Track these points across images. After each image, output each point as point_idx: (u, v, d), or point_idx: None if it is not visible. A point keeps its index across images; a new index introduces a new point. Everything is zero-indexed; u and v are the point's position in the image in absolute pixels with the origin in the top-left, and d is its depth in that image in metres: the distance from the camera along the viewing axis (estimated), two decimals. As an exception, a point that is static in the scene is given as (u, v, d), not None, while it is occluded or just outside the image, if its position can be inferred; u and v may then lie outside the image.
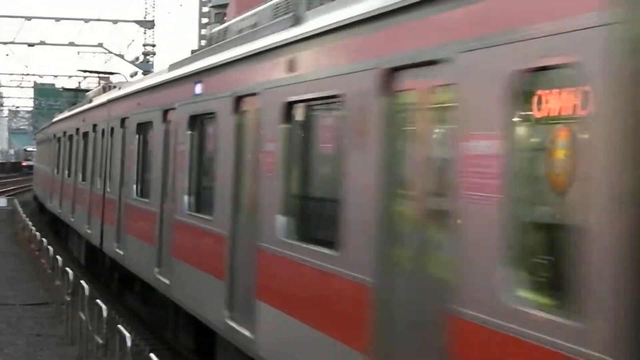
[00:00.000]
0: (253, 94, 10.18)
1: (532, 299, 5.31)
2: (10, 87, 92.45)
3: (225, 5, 78.03)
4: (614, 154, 4.66)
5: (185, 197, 13.08)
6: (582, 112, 4.93)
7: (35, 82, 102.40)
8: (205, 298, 11.86)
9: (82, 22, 56.22)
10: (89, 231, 22.82)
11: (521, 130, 5.53)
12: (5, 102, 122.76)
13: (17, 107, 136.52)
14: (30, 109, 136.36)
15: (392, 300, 6.90)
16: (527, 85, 5.40)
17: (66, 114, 35.40)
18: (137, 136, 17.08)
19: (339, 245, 7.71)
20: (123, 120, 18.62)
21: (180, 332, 14.18)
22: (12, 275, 24.23)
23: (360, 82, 7.44)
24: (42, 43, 54.24)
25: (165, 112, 14.62)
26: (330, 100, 8.20)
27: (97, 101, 24.76)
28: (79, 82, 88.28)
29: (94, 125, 23.36)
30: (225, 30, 13.14)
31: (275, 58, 9.61)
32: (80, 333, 14.86)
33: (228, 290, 10.91)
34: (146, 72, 27.79)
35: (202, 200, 12.61)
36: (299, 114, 9.17)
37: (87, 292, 14.82)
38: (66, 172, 30.11)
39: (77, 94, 65.18)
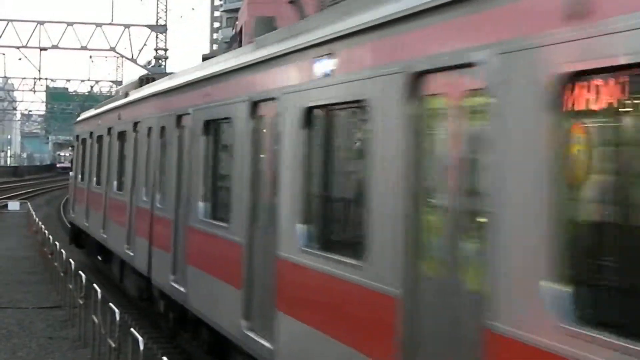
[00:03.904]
0: (111, 128, 22.04)
1: None
2: (22, 91, 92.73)
3: (236, 10, 78.07)
4: None
5: None
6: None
7: (47, 86, 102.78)
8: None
9: (94, 26, 56.20)
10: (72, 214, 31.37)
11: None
12: (18, 105, 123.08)
13: (30, 111, 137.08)
14: (43, 112, 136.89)
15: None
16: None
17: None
18: (97, 145, 26.37)
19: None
20: (91, 133, 28.07)
21: None
22: (25, 278, 24.34)
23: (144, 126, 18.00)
24: (55, 47, 54.33)
25: (100, 135, 25.38)
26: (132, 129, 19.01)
27: (81, 117, 33.96)
28: (91, 87, 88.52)
29: (77, 136, 32.76)
30: (119, 90, 25.58)
31: (117, 112, 21.48)
32: (93, 336, 14.91)
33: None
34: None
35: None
36: (127, 137, 19.66)
37: (99, 295, 14.88)
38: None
39: (87, 99, 65.37)
